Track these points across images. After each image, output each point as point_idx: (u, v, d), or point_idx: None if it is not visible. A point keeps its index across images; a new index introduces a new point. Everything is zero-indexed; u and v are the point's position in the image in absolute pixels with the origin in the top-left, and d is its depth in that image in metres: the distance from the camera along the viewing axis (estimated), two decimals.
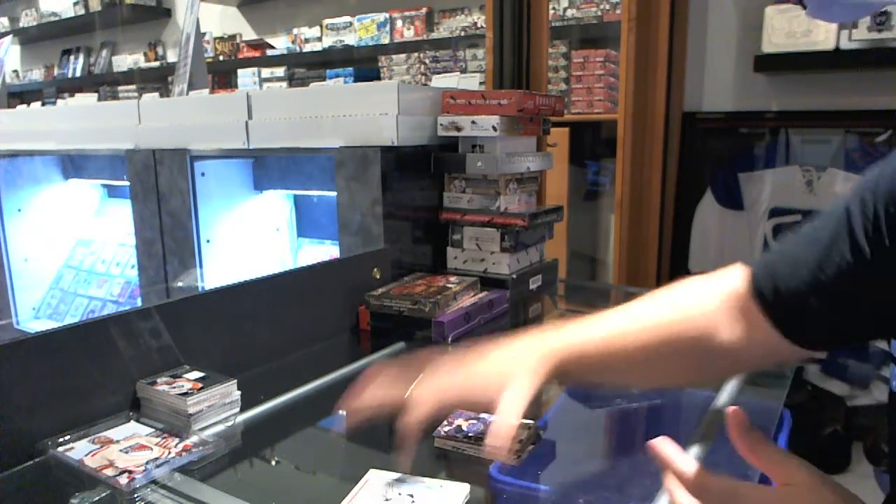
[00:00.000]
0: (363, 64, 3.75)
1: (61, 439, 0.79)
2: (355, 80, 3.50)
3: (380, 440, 0.94)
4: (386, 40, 3.65)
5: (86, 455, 0.76)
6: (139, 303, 2.08)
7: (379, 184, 1.35)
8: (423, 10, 3.57)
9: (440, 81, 1.95)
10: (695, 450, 0.78)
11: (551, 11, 2.78)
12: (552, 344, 0.71)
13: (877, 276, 0.54)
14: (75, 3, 5.17)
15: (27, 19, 5.65)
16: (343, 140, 1.43)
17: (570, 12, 3.04)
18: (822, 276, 0.57)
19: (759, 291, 0.63)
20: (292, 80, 4.00)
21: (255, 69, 4.16)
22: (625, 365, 0.70)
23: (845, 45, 2.10)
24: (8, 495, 0.73)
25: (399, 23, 3.62)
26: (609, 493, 0.65)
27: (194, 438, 0.82)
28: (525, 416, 0.86)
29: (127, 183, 1.89)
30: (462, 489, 0.69)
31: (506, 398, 0.67)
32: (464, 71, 3.32)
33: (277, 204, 1.94)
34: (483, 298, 1.33)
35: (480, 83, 2.28)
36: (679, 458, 0.60)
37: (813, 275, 0.58)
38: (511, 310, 1.42)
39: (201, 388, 0.86)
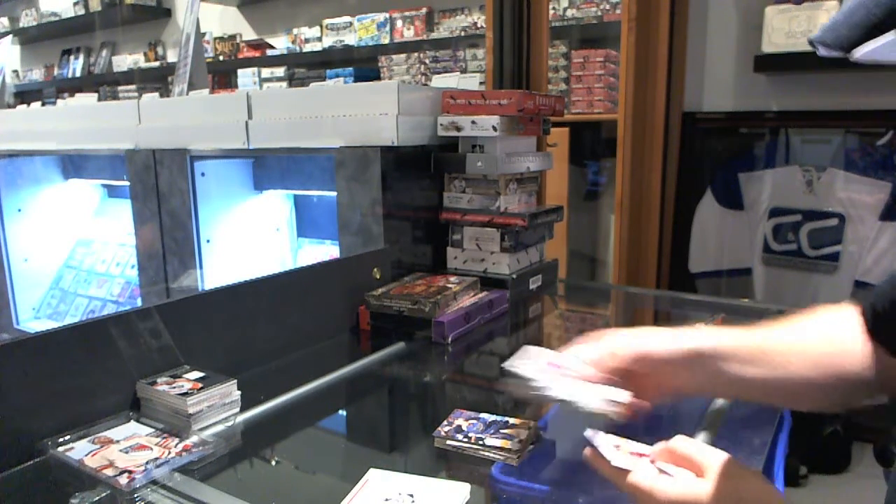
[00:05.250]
0: (363, 64, 3.75)
1: (61, 439, 0.79)
2: (355, 80, 3.50)
3: (380, 440, 0.94)
4: (386, 40, 3.65)
5: (86, 455, 0.76)
6: (139, 303, 2.08)
7: (379, 184, 1.35)
8: (423, 10, 3.57)
9: (440, 81, 1.95)
10: (701, 440, 0.78)
11: (551, 11, 2.78)
12: (698, 340, 0.74)
13: None
14: (75, 3, 5.17)
15: (27, 19, 5.65)
16: (343, 140, 1.43)
17: (570, 12, 3.04)
18: None
19: (862, 312, 0.68)
20: (292, 80, 4.00)
21: (255, 69, 4.16)
22: (780, 386, 0.71)
23: None
24: (8, 495, 0.73)
25: (399, 23, 3.62)
26: (609, 493, 0.65)
27: (194, 438, 0.82)
28: (525, 417, 0.86)
29: (127, 183, 1.89)
30: (462, 489, 0.69)
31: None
32: (464, 71, 3.32)
33: (277, 204, 1.94)
34: (483, 298, 1.33)
35: (480, 83, 2.28)
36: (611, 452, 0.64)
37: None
38: (511, 310, 1.42)
39: (201, 388, 0.86)
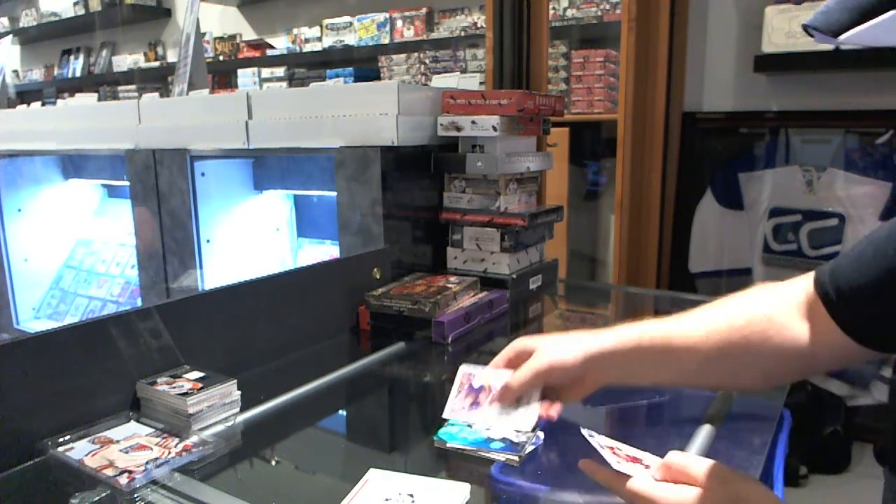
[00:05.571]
0: (363, 64, 3.75)
1: (61, 439, 0.79)
2: (355, 80, 3.50)
3: (380, 440, 0.94)
4: (386, 40, 3.65)
5: (86, 455, 0.76)
6: (139, 303, 2.08)
7: (379, 184, 1.35)
8: (423, 10, 3.57)
9: (440, 81, 1.95)
10: (700, 441, 0.79)
11: (551, 11, 2.78)
12: (602, 340, 0.77)
13: None
14: (75, 3, 5.17)
15: (27, 19, 5.65)
16: (343, 140, 1.43)
17: (570, 12, 3.04)
18: (886, 275, 0.59)
19: (823, 291, 0.66)
20: (292, 80, 4.00)
21: (255, 69, 4.16)
22: (689, 363, 0.73)
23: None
24: (8, 495, 0.73)
25: (399, 23, 3.62)
26: (609, 493, 0.65)
27: (194, 438, 0.82)
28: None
29: (127, 183, 1.89)
30: (462, 489, 0.69)
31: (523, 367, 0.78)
32: (464, 71, 3.32)
33: (277, 204, 1.94)
34: (483, 298, 1.33)
35: (480, 83, 2.28)
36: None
37: (877, 274, 0.60)
38: (511, 310, 1.42)
39: (201, 388, 0.86)
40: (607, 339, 0.77)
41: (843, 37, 0.44)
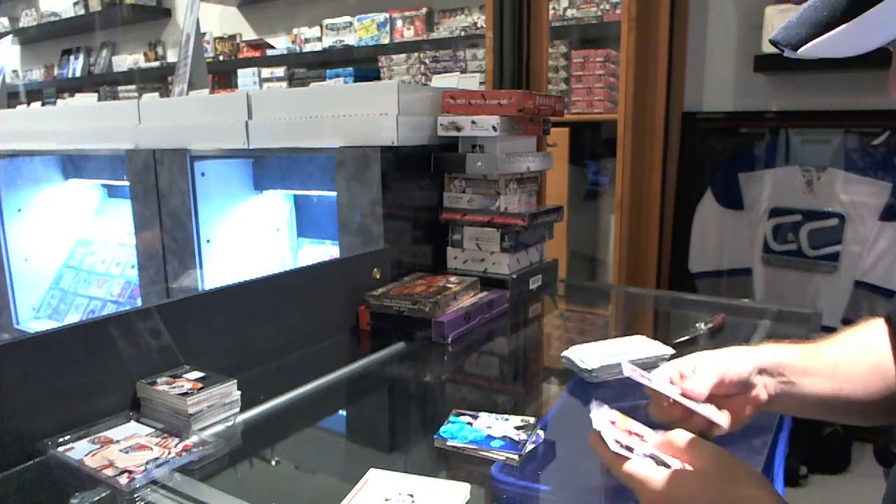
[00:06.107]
0: (363, 64, 3.75)
1: (61, 439, 0.79)
2: (355, 80, 3.50)
3: (380, 440, 0.94)
4: (386, 40, 3.65)
5: (86, 455, 0.76)
6: (139, 303, 2.08)
7: (379, 184, 1.35)
8: (423, 10, 3.57)
9: (440, 81, 1.95)
10: None
11: (551, 11, 2.78)
12: (770, 353, 0.72)
13: None
14: (75, 3, 5.17)
15: (27, 19, 5.65)
16: (343, 140, 1.43)
17: (570, 12, 3.04)
18: None
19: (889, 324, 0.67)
20: (292, 80, 4.00)
21: (255, 69, 4.16)
22: (840, 399, 0.71)
23: None
24: (8, 495, 0.73)
25: (399, 23, 3.62)
26: (608, 493, 0.66)
27: (194, 438, 0.82)
28: (526, 415, 0.86)
29: (127, 183, 1.89)
30: (462, 489, 0.69)
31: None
32: (464, 71, 3.32)
33: (277, 204, 1.94)
34: (483, 298, 1.33)
35: (480, 83, 2.28)
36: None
37: None
38: (511, 310, 1.42)
39: (201, 388, 0.86)
40: (765, 356, 0.72)
41: (802, 49, 0.46)
